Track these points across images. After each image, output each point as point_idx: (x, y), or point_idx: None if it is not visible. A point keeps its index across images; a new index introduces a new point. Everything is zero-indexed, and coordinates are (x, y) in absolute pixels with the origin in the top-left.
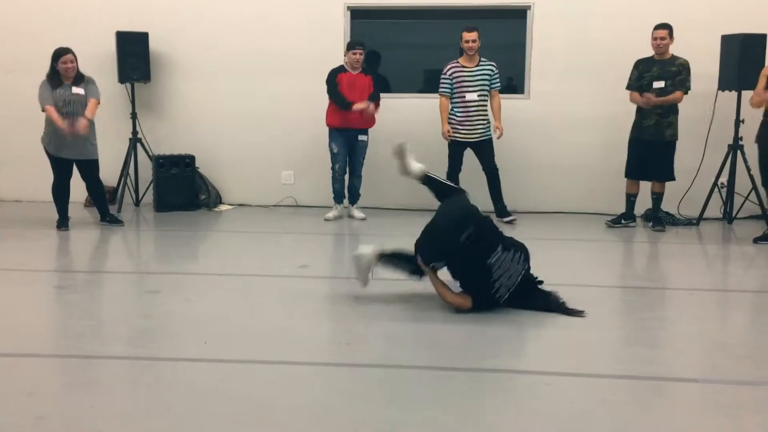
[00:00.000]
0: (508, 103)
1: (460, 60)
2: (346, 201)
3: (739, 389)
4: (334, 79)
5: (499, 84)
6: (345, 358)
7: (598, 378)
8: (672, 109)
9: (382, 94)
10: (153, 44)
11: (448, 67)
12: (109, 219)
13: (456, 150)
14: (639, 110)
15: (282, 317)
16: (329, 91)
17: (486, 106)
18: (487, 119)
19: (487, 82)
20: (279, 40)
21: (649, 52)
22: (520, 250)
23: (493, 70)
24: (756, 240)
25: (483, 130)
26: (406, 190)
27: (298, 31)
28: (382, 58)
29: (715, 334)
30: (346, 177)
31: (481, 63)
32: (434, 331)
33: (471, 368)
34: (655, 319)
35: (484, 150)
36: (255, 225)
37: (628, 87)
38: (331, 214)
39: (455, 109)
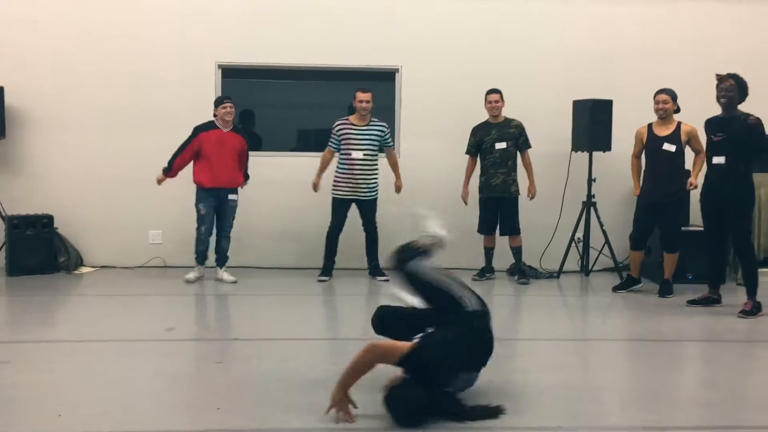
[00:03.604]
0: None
1: (350, 118)
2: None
3: None
4: (193, 137)
5: (392, 143)
6: (215, 424)
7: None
8: (514, 168)
9: (253, 152)
10: (9, 99)
11: (338, 124)
12: None
13: (339, 206)
14: (484, 172)
15: (146, 383)
16: (180, 145)
17: (372, 165)
18: (374, 178)
19: (376, 142)
20: (147, 95)
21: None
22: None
23: (383, 130)
24: (614, 289)
25: (367, 189)
26: (263, 248)
27: (168, 87)
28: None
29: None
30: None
31: (371, 123)
32: (312, 390)
33: (346, 428)
34: (520, 371)
35: (367, 208)
36: (119, 287)
37: (467, 152)
38: (192, 275)
39: (340, 166)
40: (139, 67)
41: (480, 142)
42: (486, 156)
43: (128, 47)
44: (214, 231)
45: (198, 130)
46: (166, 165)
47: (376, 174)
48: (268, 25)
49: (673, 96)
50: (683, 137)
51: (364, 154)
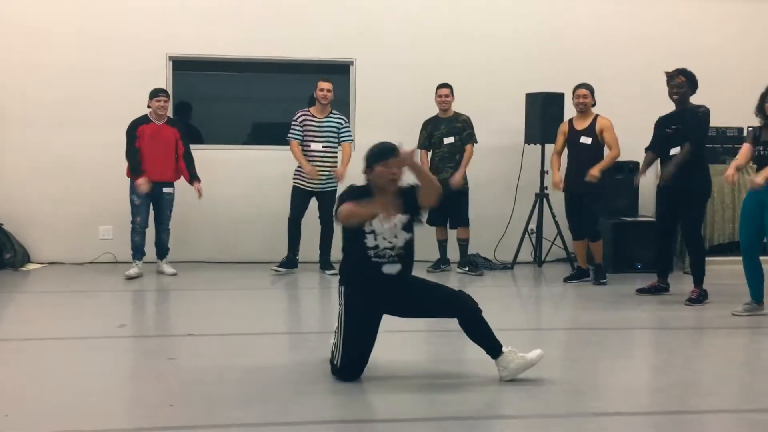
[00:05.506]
0: None
1: (310, 109)
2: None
3: (551, 421)
4: (134, 132)
5: (349, 138)
6: (168, 421)
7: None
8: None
9: (193, 145)
10: None
11: (299, 114)
12: None
13: (299, 196)
14: (433, 166)
15: (97, 381)
16: (126, 148)
17: (332, 156)
18: (332, 170)
19: (334, 134)
20: (95, 88)
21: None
22: None
23: (342, 123)
24: (566, 280)
25: (327, 180)
26: (215, 243)
27: (117, 80)
28: (205, 110)
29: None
30: (149, 230)
31: (331, 115)
32: (266, 385)
33: (302, 422)
34: (472, 361)
35: (326, 200)
36: (68, 284)
37: (420, 146)
38: (133, 271)
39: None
40: (86, 60)
41: (430, 136)
42: (435, 151)
43: (75, 39)
44: (152, 224)
45: (135, 125)
46: (136, 170)
47: (334, 165)
48: (220, 16)
49: (592, 90)
50: (598, 129)
51: (323, 146)
